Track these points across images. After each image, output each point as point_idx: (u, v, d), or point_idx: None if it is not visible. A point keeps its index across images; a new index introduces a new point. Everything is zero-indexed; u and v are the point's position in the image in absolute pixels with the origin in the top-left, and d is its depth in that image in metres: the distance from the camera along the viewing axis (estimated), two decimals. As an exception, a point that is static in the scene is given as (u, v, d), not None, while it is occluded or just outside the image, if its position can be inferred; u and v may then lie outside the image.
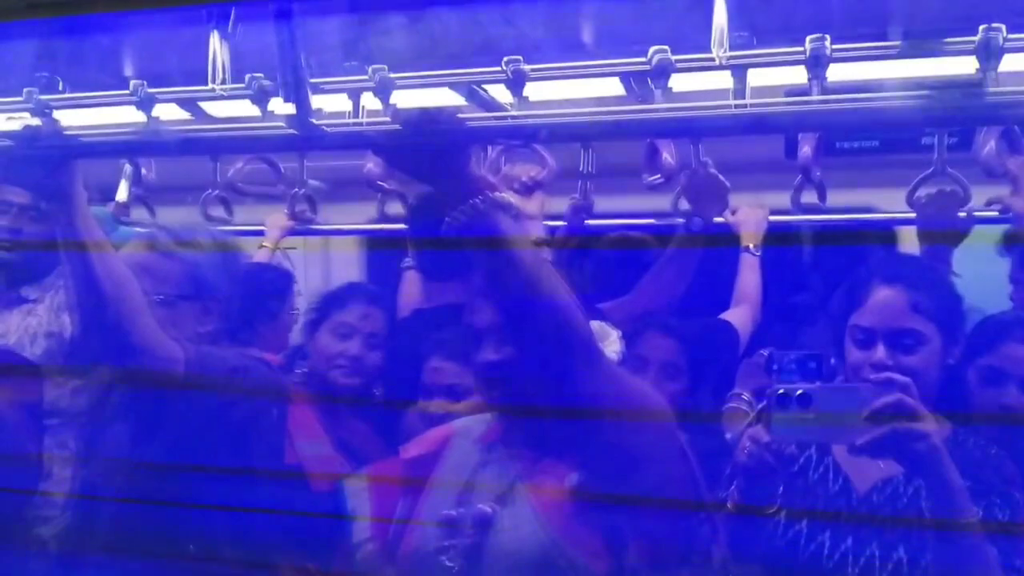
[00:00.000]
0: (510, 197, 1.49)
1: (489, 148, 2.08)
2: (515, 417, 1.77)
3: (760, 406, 1.85)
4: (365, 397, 2.24)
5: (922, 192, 2.30)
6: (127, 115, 2.04)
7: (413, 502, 1.82)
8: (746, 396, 2.40)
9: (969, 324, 1.97)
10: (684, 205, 2.49)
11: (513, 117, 1.54)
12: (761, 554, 1.81)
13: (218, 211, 2.63)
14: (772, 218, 2.65)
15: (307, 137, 1.49)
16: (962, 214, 2.30)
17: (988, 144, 2.14)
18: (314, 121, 1.47)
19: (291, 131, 1.48)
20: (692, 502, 1.72)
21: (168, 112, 2.12)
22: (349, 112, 1.84)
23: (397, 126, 1.42)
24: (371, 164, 2.02)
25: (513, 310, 1.59)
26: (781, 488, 1.79)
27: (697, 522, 1.74)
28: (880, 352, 1.73)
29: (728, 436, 2.19)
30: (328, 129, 1.48)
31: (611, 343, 1.82)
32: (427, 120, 1.40)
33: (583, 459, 1.67)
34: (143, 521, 1.85)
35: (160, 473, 1.82)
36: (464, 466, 1.79)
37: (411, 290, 2.65)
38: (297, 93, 1.42)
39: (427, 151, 1.41)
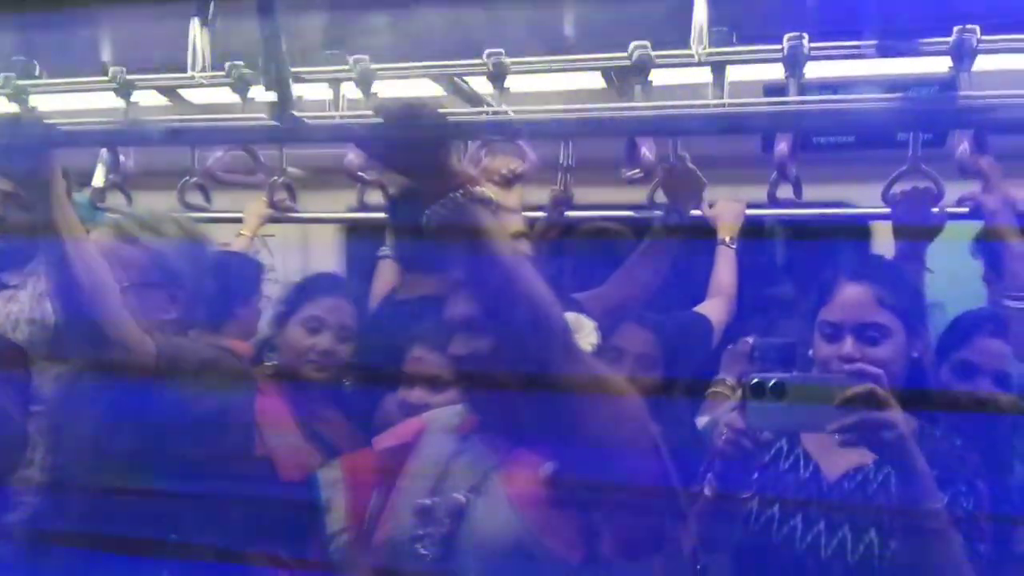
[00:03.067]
0: (490, 190, 1.50)
1: (470, 141, 2.08)
2: (489, 408, 1.78)
3: (737, 394, 1.89)
4: (336, 387, 2.24)
5: (897, 188, 2.34)
6: (106, 102, 2.03)
7: (387, 492, 1.82)
8: (729, 382, 2.44)
9: (933, 318, 2.04)
10: (661, 198, 2.51)
11: (494, 111, 1.55)
12: (734, 540, 1.85)
13: (196, 198, 2.62)
14: (748, 212, 2.67)
15: (288, 129, 1.49)
16: (936, 210, 2.33)
17: (961, 142, 2.17)
18: (295, 113, 1.47)
19: (272, 122, 1.48)
20: (665, 490, 1.74)
21: (147, 99, 2.12)
22: (330, 102, 1.84)
23: (378, 119, 1.43)
24: (352, 155, 2.02)
25: (490, 303, 1.60)
26: (755, 475, 1.84)
27: (670, 510, 1.76)
28: (848, 345, 1.79)
29: (704, 422, 2.22)
30: (309, 121, 1.48)
31: (587, 334, 1.84)
32: (408, 113, 1.41)
33: (557, 449, 1.69)
34: (114, 511, 1.85)
35: (131, 463, 1.81)
36: (438, 456, 1.79)
37: (386, 278, 2.66)
38: (279, 84, 1.42)
39: (408, 144, 1.41)
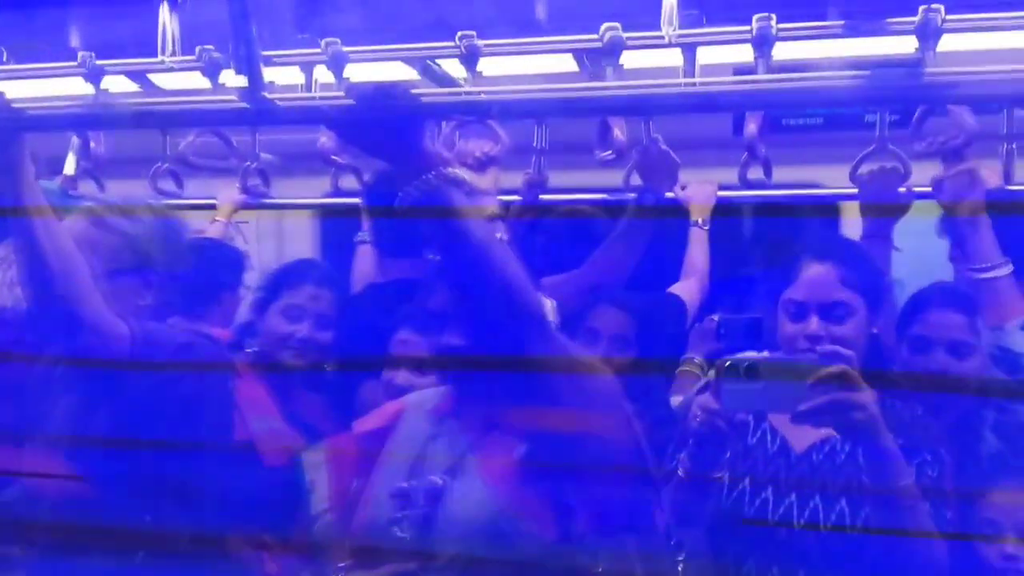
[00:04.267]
0: (463, 172, 1.50)
1: (443, 123, 2.08)
2: (466, 390, 1.79)
3: (709, 376, 1.91)
4: (316, 372, 2.25)
5: (864, 168, 2.37)
6: (75, 87, 2.01)
7: (366, 475, 1.84)
8: (698, 360, 2.47)
9: (894, 295, 2.09)
10: (636, 180, 2.52)
11: (467, 92, 1.55)
12: (707, 516, 1.89)
13: (168, 184, 2.61)
14: (720, 193, 2.70)
15: (259, 111, 1.49)
16: (902, 190, 2.36)
17: (924, 122, 2.20)
18: (266, 95, 1.47)
19: (242, 104, 1.48)
20: (638, 469, 1.76)
21: (117, 84, 2.10)
22: (302, 86, 1.84)
23: (350, 100, 1.43)
24: (324, 138, 2.02)
25: (464, 284, 1.61)
26: (727, 453, 1.88)
27: (643, 488, 1.79)
28: (814, 324, 1.84)
29: (677, 401, 2.25)
30: (280, 103, 1.48)
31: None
32: (380, 95, 1.41)
33: (531, 430, 1.71)
34: (94, 499, 1.85)
35: (109, 450, 1.81)
36: (416, 439, 1.81)
37: (365, 264, 2.66)
38: (249, 66, 1.42)
39: (380, 126, 1.42)
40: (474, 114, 1.69)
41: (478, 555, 1.68)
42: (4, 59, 2.33)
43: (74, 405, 1.89)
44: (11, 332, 1.94)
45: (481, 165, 2.10)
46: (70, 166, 2.67)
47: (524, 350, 1.63)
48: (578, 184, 2.74)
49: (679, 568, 1.88)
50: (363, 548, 1.79)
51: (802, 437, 1.88)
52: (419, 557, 1.71)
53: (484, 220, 1.65)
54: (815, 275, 1.89)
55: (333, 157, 2.05)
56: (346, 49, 1.85)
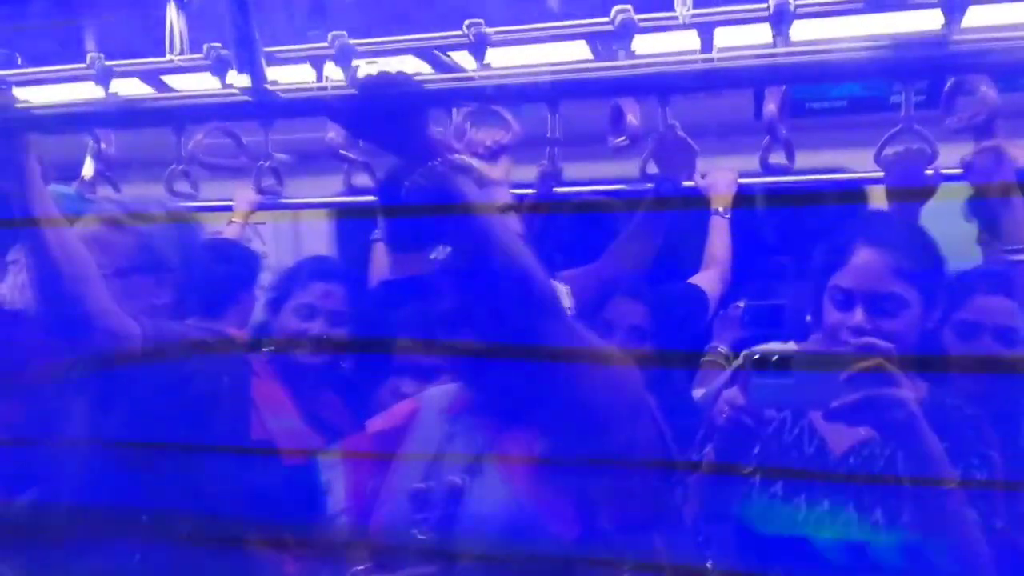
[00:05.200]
0: (472, 161, 1.47)
1: (453, 113, 2.05)
2: (481, 386, 1.76)
3: (735, 368, 1.85)
4: (332, 372, 2.23)
5: (889, 150, 2.30)
6: (82, 87, 2.00)
7: (381, 476, 1.80)
8: (723, 349, 2.42)
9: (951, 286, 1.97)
10: (653, 169, 2.47)
11: (474, 80, 1.51)
12: (735, 515, 1.82)
13: (183, 186, 2.59)
14: (741, 181, 2.65)
15: (261, 103, 1.46)
16: (929, 172, 2.30)
17: (952, 98, 2.13)
18: (269, 87, 1.44)
19: (245, 98, 1.46)
20: (662, 463, 1.72)
21: (126, 85, 2.09)
22: (314, 83, 1.81)
23: (353, 90, 1.40)
24: (332, 133, 1.99)
25: (474, 273, 1.58)
26: (756, 449, 1.80)
27: (668, 483, 1.74)
28: (859, 315, 1.70)
29: (701, 393, 2.20)
30: (283, 95, 1.45)
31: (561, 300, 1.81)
32: (383, 83, 1.38)
33: (550, 425, 1.67)
34: (110, 501, 1.84)
35: (122, 449, 1.80)
36: (431, 438, 1.77)
37: (380, 262, 2.64)
38: (250, 58, 1.39)
39: (383, 114, 1.39)
40: (480, 100, 1.65)
41: (500, 555, 1.64)
42: (18, 63, 2.32)
43: (87, 405, 1.88)
44: (23, 333, 1.93)
45: (492, 154, 2.06)
46: (87, 170, 2.66)
47: (538, 340, 1.59)
48: (594, 176, 2.70)
49: (708, 564, 1.83)
50: (382, 550, 1.76)
51: (842, 437, 1.74)
52: (439, 559, 1.68)
53: (495, 208, 1.61)
54: (865, 261, 1.73)
55: (342, 152, 2.02)
56: (353, 42, 1.83)
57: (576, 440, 1.64)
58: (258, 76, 1.43)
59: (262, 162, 2.48)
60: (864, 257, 1.74)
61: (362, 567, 1.75)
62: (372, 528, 1.76)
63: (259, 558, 1.96)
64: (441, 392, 1.87)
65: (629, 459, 1.64)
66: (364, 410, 2.07)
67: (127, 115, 1.65)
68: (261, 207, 2.86)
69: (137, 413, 1.82)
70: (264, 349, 2.23)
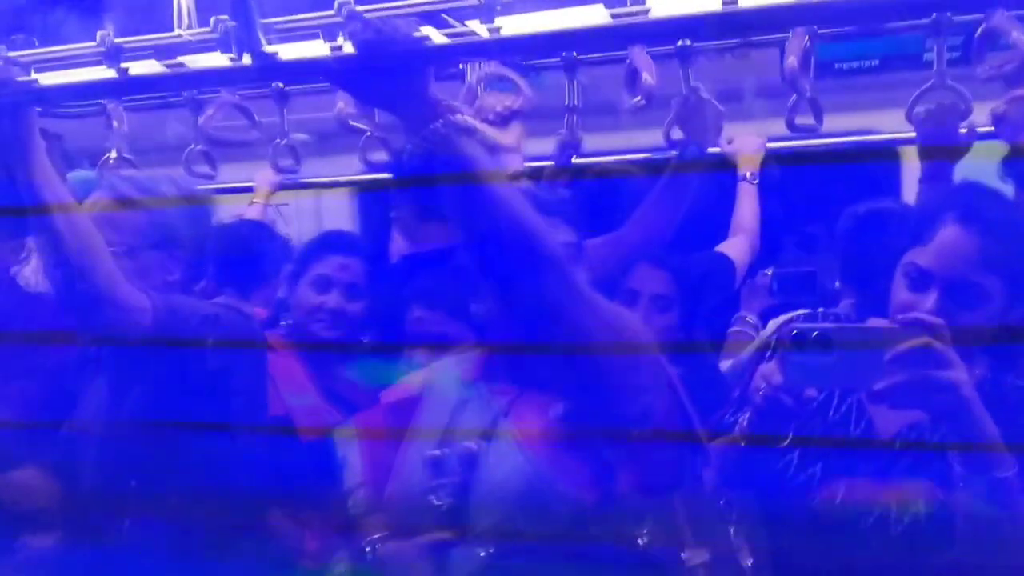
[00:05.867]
0: (477, 123, 1.43)
1: (466, 79, 2.01)
2: (495, 354, 1.73)
3: (773, 344, 1.77)
4: (349, 346, 2.21)
5: (921, 107, 2.22)
6: (101, 73, 1.99)
7: (397, 446, 1.78)
8: (751, 319, 2.36)
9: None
10: (678, 135, 2.41)
11: (476, 37, 1.46)
12: (764, 485, 1.76)
13: (203, 167, 2.58)
14: (769, 145, 2.58)
15: (261, 68, 1.44)
16: (963, 129, 2.21)
17: (983, 46, 2.03)
18: (267, 50, 1.41)
19: (244, 63, 1.43)
20: (682, 429, 1.67)
21: (141, 68, 2.07)
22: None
23: (353, 51, 1.36)
24: (342, 103, 1.96)
25: (489, 245, 1.54)
26: (793, 426, 1.71)
27: (688, 450, 1.69)
28: (932, 300, 1.53)
29: (729, 364, 2.14)
30: (282, 59, 1.42)
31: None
32: (383, 42, 1.35)
33: (565, 391, 1.63)
34: (131, 480, 1.84)
35: (139, 427, 1.80)
36: (446, 406, 1.75)
37: (400, 238, 2.61)
38: (247, 20, 1.36)
39: (382, 74, 1.35)
40: (486, 56, 1.59)
41: (516, 521, 1.62)
42: (35, 45, 2.32)
43: (102, 383, 1.88)
44: (38, 316, 1.94)
45: (503, 120, 2.02)
46: (108, 155, 2.67)
47: (552, 308, 1.55)
48: (615, 146, 2.65)
49: (731, 532, 1.78)
50: (399, 518, 1.74)
51: (891, 419, 1.60)
52: (456, 525, 1.66)
53: (504, 174, 1.58)
54: (953, 242, 1.53)
55: (352, 123, 1.99)
56: (359, 8, 1.78)
57: (591, 408, 1.61)
58: (255, 39, 1.40)
59: (279, 140, 2.46)
60: (951, 236, 1.55)
61: (379, 535, 1.74)
62: (389, 496, 1.75)
63: (277, 532, 1.95)
64: (454, 361, 1.84)
65: (647, 423, 1.59)
66: (380, 382, 2.05)
67: (133, 87, 1.63)
68: (282, 187, 2.85)
69: (154, 391, 1.81)
70: (282, 323, 2.22)
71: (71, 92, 1.78)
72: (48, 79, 1.98)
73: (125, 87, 1.69)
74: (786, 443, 1.67)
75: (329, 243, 2.31)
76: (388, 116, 1.60)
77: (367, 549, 1.80)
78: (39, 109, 2.13)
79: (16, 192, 1.67)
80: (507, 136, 1.99)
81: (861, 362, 1.44)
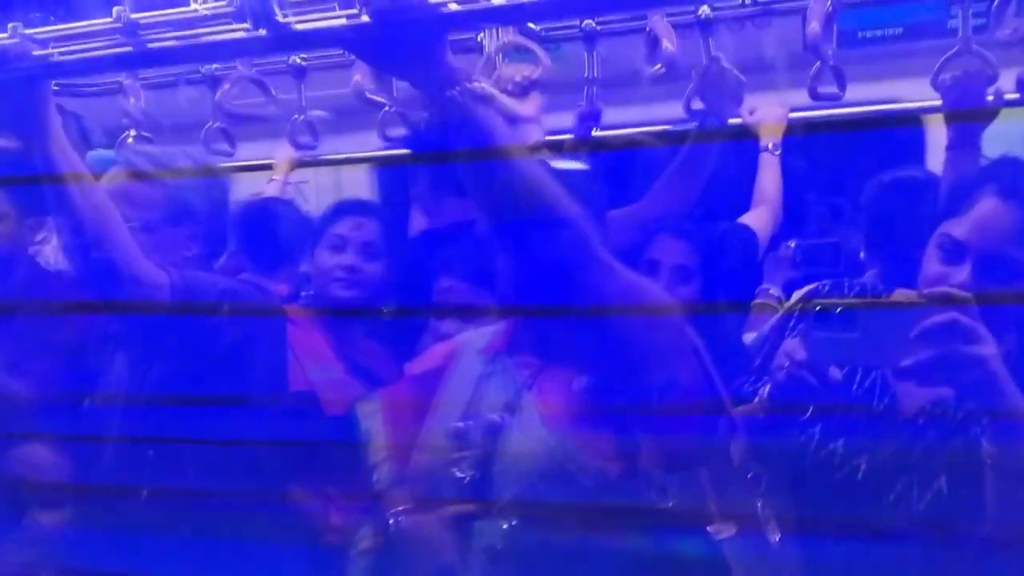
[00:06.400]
0: (494, 90, 1.41)
1: (484, 51, 1.99)
2: (519, 326, 1.72)
3: (795, 317, 1.75)
4: (371, 315, 2.20)
5: (947, 73, 2.18)
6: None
7: (422, 418, 1.78)
8: (774, 291, 2.33)
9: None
10: (699, 106, 2.38)
11: (499, 4, 1.43)
12: (790, 459, 1.74)
13: (222, 144, 2.58)
14: (792, 115, 2.55)
15: (276, 37, 1.42)
16: (990, 96, 2.17)
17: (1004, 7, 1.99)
18: (280, 19, 1.40)
19: (258, 32, 1.42)
20: (707, 403, 1.65)
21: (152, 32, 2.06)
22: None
23: (368, 19, 1.35)
24: (358, 76, 1.94)
25: (510, 216, 1.52)
26: (816, 398, 1.68)
27: (714, 423, 1.68)
28: (965, 273, 1.48)
29: (751, 338, 2.11)
30: (297, 27, 1.41)
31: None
32: (398, 8, 1.33)
33: (589, 363, 1.62)
34: (150, 457, 1.85)
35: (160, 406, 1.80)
36: (470, 378, 1.75)
37: (421, 212, 2.60)
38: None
39: (396, 40, 1.33)
40: (503, 22, 1.57)
41: (539, 493, 1.61)
42: (52, 21, 2.32)
43: (122, 358, 1.88)
44: (59, 293, 1.94)
45: (522, 90, 2.00)
46: (125, 134, 2.67)
47: (575, 279, 1.54)
48: (638, 116, 2.62)
49: (758, 504, 1.76)
50: (423, 490, 1.74)
51: (916, 395, 1.55)
52: (479, 497, 1.65)
53: (523, 143, 1.56)
54: (991, 214, 1.47)
55: (368, 96, 1.97)
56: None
57: (615, 380, 1.59)
58: (269, 8, 1.39)
59: (297, 116, 2.45)
60: (988, 208, 1.50)
61: (403, 508, 1.74)
62: (412, 468, 1.75)
63: (301, 506, 1.96)
64: (478, 333, 1.84)
65: (671, 395, 1.58)
66: (402, 354, 2.05)
67: (149, 60, 1.62)
68: (301, 164, 2.85)
69: (174, 366, 1.82)
70: (303, 294, 2.22)
71: (88, 66, 1.76)
72: (65, 55, 1.98)
73: (141, 60, 1.67)
74: (808, 414, 1.66)
75: (344, 208, 2.30)
76: (406, 89, 1.59)
77: (391, 521, 1.80)
78: (57, 87, 2.14)
79: (34, 168, 1.67)
80: (526, 106, 1.96)
81: (887, 335, 1.40)
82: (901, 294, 1.61)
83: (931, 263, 1.55)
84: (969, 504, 1.44)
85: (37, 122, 1.64)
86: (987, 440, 1.42)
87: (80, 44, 1.61)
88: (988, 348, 1.35)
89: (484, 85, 1.35)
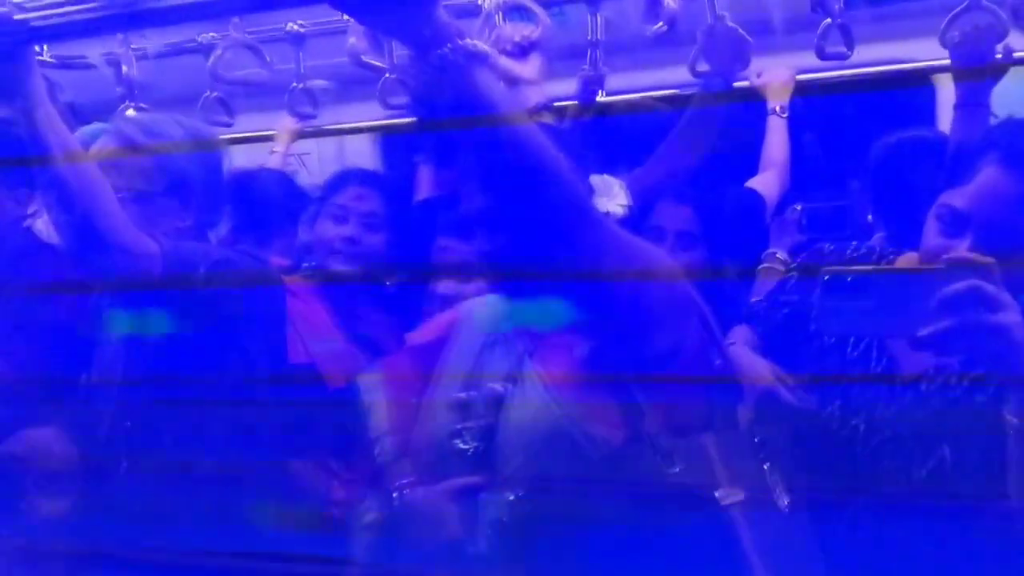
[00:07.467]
0: (488, 48, 1.36)
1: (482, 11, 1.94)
2: (519, 294, 1.68)
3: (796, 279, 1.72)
4: (372, 282, 2.17)
5: (956, 29, 2.13)
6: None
7: (423, 389, 1.76)
8: (780, 255, 2.29)
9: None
10: (703, 67, 2.33)
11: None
12: (785, 432, 1.71)
13: (220, 115, 2.55)
14: (799, 77, 2.50)
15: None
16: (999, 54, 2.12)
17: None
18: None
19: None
20: (714, 368, 1.62)
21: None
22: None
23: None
24: (353, 38, 1.90)
25: (507, 181, 1.48)
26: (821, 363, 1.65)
27: (721, 388, 1.65)
28: (967, 244, 1.41)
29: (758, 299, 2.08)
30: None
31: (616, 196, 1.70)
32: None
33: (592, 331, 1.58)
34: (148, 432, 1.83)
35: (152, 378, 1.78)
36: (472, 348, 1.73)
37: (425, 183, 2.58)
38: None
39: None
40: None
41: (544, 463, 1.59)
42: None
43: (113, 333, 1.86)
44: (51, 266, 1.92)
45: (522, 51, 1.95)
46: (123, 108, 2.64)
47: (575, 245, 1.50)
48: (640, 83, 2.58)
49: (764, 468, 1.73)
50: (425, 462, 1.72)
51: (917, 359, 1.51)
52: (483, 468, 1.63)
53: (521, 106, 1.52)
54: (992, 183, 1.42)
55: (364, 59, 1.93)
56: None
57: (618, 347, 1.56)
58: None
59: (295, 84, 2.42)
60: (990, 178, 1.44)
61: (406, 480, 1.72)
62: (415, 440, 1.73)
63: (304, 480, 1.94)
64: (479, 303, 1.81)
65: (676, 361, 1.54)
66: (403, 324, 2.02)
67: (134, 22, 1.57)
68: (303, 136, 2.82)
69: (168, 338, 1.79)
70: (304, 266, 2.19)
71: (72, 30, 1.72)
72: (49, 20, 1.94)
73: (128, 22, 1.63)
74: (814, 380, 1.63)
75: (347, 177, 2.27)
76: (403, 53, 1.54)
77: (394, 494, 1.78)
78: (49, 59, 2.10)
79: (21, 140, 1.64)
80: (526, 68, 1.92)
81: (903, 309, 1.34)
82: (909, 258, 1.57)
83: (930, 234, 1.50)
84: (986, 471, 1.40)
85: (23, 90, 1.60)
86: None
87: (67, 8, 1.55)
88: (1012, 316, 1.29)
89: (478, 43, 1.30)
